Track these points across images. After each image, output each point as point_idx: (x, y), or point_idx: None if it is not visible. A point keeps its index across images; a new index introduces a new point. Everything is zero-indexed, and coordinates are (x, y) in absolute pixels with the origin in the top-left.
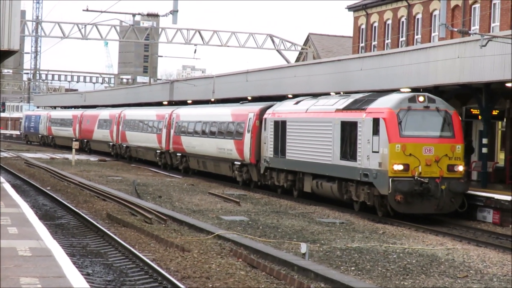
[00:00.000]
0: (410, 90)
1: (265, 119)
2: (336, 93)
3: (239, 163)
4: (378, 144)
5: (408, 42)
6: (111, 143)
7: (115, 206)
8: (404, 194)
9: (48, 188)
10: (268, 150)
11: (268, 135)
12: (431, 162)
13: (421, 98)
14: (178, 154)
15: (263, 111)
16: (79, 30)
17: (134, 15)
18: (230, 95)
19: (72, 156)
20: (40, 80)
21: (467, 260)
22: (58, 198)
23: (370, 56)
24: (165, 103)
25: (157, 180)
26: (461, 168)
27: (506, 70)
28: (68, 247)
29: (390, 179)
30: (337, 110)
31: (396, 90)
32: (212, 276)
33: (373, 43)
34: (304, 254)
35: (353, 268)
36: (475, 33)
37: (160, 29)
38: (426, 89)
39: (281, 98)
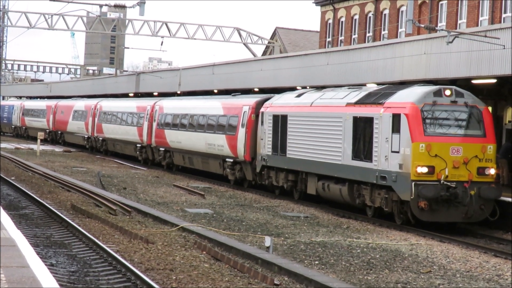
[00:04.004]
0: (376, 85)
1: (262, 112)
2: (303, 87)
3: (231, 160)
4: (399, 143)
5: (375, 38)
6: (86, 136)
7: (79, 197)
8: (429, 200)
9: (13, 178)
10: (265, 147)
11: (266, 130)
12: (459, 164)
13: (447, 92)
14: (161, 149)
15: (259, 104)
16: (46, 20)
17: (101, 6)
18: (196, 87)
19: (37, 147)
20: (6, 70)
21: (431, 256)
22: (22, 188)
23: (336, 51)
24: (131, 94)
25: (122, 171)
26: (492, 171)
27: (472, 67)
28: (32, 238)
29: (413, 183)
30: (348, 104)
31: (363, 85)
32: (176, 268)
33: (340, 38)
34: (268, 247)
35: (317, 262)
36: (442, 30)
37: (127, 21)
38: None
39: (248, 91)
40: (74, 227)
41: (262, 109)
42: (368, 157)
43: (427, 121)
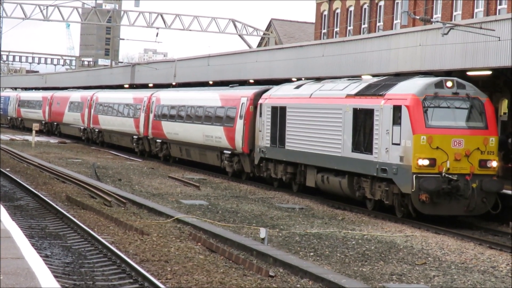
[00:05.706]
0: (371, 76)
1: (261, 104)
2: (298, 79)
3: (229, 152)
4: (400, 136)
5: (370, 29)
6: (82, 127)
7: (74, 188)
8: (430, 193)
9: (8, 169)
10: (264, 138)
11: (264, 122)
12: (460, 157)
13: (449, 83)
14: (158, 140)
15: (257, 96)
16: (41, 11)
17: None
18: (191, 79)
19: (32, 138)
20: (1, 61)
21: (426, 247)
22: (17, 180)
23: (332, 43)
24: (126, 86)
25: (117, 163)
26: (494, 163)
27: (467, 58)
28: (27, 229)
29: (414, 176)
30: (348, 96)
31: (358, 77)
32: (171, 260)
33: (335, 30)
34: (263, 239)
35: (312, 253)
36: (437, 21)
37: (122, 12)
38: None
39: (243, 83)
40: (69, 218)
41: (260, 101)
42: (368, 149)
43: (429, 113)
